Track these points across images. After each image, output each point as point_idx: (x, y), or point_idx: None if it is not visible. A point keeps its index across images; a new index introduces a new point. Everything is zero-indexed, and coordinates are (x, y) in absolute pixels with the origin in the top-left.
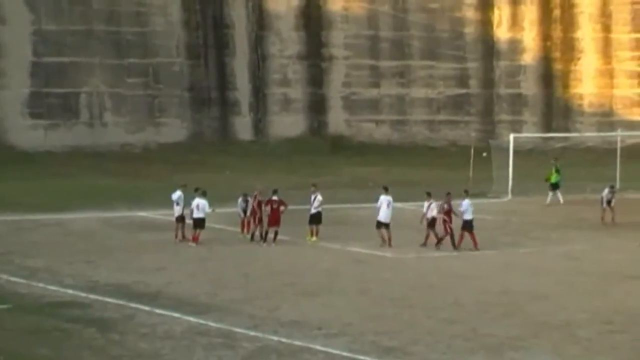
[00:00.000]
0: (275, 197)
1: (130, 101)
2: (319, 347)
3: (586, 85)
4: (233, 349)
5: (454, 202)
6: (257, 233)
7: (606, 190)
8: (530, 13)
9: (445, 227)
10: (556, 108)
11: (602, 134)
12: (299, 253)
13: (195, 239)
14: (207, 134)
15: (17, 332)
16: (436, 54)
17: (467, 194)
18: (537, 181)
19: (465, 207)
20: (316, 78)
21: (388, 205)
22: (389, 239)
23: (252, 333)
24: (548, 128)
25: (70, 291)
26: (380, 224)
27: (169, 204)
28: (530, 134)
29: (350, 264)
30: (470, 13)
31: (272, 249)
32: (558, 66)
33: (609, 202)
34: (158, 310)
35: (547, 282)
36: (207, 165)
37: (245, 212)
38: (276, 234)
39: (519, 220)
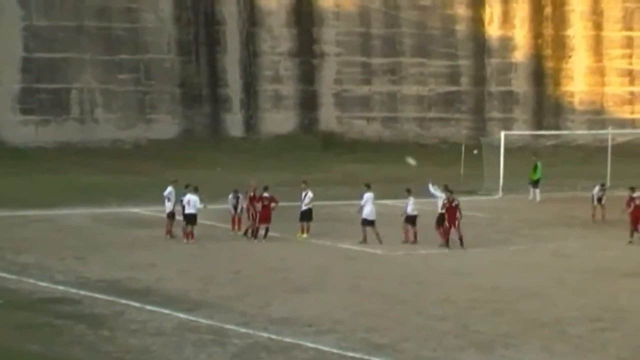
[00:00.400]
0: (266, 194)
1: (121, 97)
2: (309, 344)
3: (577, 83)
4: (223, 346)
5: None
6: (251, 230)
7: (597, 188)
8: (521, 10)
9: (448, 223)
10: (547, 106)
11: (593, 131)
12: (289, 250)
13: (187, 236)
14: (198, 131)
15: (7, 328)
16: (427, 51)
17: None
18: (528, 179)
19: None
20: (307, 75)
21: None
22: (378, 236)
23: (243, 330)
24: (539, 126)
25: (61, 287)
26: (366, 222)
27: (160, 200)
28: (521, 131)
29: (341, 260)
30: (461, 10)
31: (263, 246)
32: (549, 64)
33: (599, 200)
34: (148, 307)
35: (537, 279)
36: (198, 162)
37: (235, 208)
38: (267, 230)
39: (510, 217)
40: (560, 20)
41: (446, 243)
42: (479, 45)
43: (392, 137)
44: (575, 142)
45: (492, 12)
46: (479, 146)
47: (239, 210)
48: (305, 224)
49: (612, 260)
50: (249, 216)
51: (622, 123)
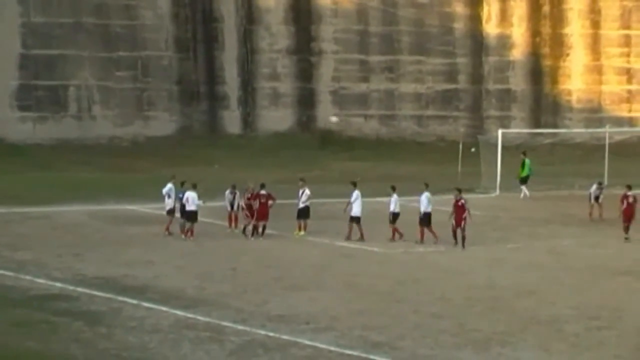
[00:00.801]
0: (263, 191)
1: (119, 94)
2: (306, 342)
3: (575, 81)
4: (220, 343)
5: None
6: (250, 227)
7: (594, 187)
8: (519, 9)
9: (458, 222)
10: (545, 104)
11: (590, 130)
12: (287, 247)
13: (187, 233)
14: (195, 128)
15: (4, 324)
16: (425, 49)
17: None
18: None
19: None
20: (305, 72)
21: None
22: (362, 234)
23: (240, 327)
24: (536, 124)
25: (58, 284)
26: (354, 219)
27: (158, 197)
28: (519, 129)
29: (338, 258)
30: (459, 8)
31: (260, 243)
32: (547, 62)
33: (596, 198)
34: (146, 304)
35: (534, 277)
36: (196, 159)
37: (232, 205)
38: (264, 228)
39: (507, 215)
40: (558, 19)
41: (457, 242)
42: (477, 43)
43: (390, 135)
44: (573, 141)
45: (490, 10)
46: (476, 144)
47: (235, 207)
48: (302, 222)
49: (609, 258)
50: (245, 215)
51: (619, 121)
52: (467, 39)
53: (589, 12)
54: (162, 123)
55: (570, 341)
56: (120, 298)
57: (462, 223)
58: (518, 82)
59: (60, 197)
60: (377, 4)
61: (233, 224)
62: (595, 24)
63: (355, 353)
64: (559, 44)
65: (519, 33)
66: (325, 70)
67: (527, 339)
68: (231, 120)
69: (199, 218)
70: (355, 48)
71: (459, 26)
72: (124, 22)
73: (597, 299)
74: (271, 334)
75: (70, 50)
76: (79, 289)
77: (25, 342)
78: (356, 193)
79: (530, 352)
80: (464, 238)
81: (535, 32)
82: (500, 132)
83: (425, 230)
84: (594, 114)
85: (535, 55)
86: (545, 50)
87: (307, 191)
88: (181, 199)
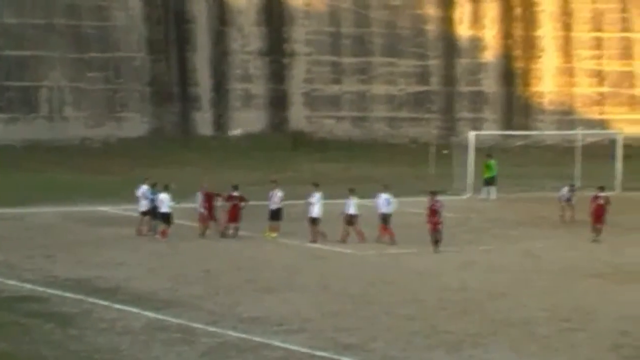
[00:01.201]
0: (235, 193)
1: (91, 95)
2: (278, 344)
3: (547, 83)
4: (192, 345)
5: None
6: (216, 229)
7: (566, 189)
8: (491, 11)
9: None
10: (517, 106)
11: (562, 132)
12: (259, 249)
13: (162, 234)
14: (167, 129)
15: None
16: (397, 51)
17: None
18: (499, 179)
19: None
20: (277, 74)
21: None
22: (323, 234)
23: (212, 329)
24: (508, 126)
25: (29, 286)
26: (314, 220)
27: (130, 198)
28: (491, 131)
29: (310, 260)
30: (431, 10)
31: (232, 245)
32: (519, 64)
33: (568, 200)
34: (117, 306)
35: (506, 279)
36: (168, 161)
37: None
38: (236, 230)
39: (479, 217)
40: (530, 21)
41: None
42: (449, 45)
43: (362, 137)
44: (545, 143)
45: (462, 12)
46: (448, 146)
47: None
48: (274, 224)
49: (580, 260)
50: (210, 216)
51: (591, 124)
52: (439, 41)
53: (560, 15)
54: (134, 124)
55: (542, 343)
56: (92, 299)
57: (437, 226)
58: (490, 84)
59: (32, 198)
60: (349, 6)
61: (204, 226)
62: (567, 27)
63: (326, 355)
64: (530, 46)
65: (490, 35)
66: (298, 71)
67: (499, 341)
68: (203, 122)
69: (172, 219)
70: (328, 50)
71: (431, 28)
72: (96, 23)
73: (569, 301)
74: (243, 335)
75: (42, 51)
76: (50, 291)
77: None
78: (317, 195)
79: (501, 353)
80: (438, 241)
81: (507, 34)
82: (472, 134)
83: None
84: (566, 116)
85: (507, 57)
86: (517, 52)
87: (280, 193)
88: (154, 200)
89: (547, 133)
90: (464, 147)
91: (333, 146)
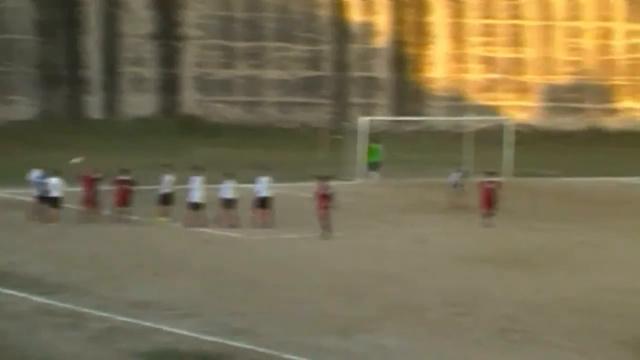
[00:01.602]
0: (124, 177)
1: None
2: (168, 328)
3: (438, 69)
4: (81, 329)
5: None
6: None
7: (455, 174)
8: None
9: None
10: (408, 92)
11: (452, 118)
12: (149, 234)
13: (52, 219)
14: (57, 112)
15: None
16: (290, 35)
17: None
18: (389, 164)
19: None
20: (169, 58)
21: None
22: (198, 219)
23: (101, 313)
24: (400, 111)
25: None
26: (194, 205)
27: (19, 182)
28: (382, 117)
29: (201, 244)
30: None
31: (122, 229)
32: (410, 50)
33: (458, 186)
34: (5, 290)
35: (396, 264)
36: (58, 144)
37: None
38: (126, 214)
39: (370, 202)
40: (421, 7)
41: (323, 231)
42: (341, 30)
43: (254, 121)
44: (436, 128)
45: None
46: (340, 131)
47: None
48: (165, 208)
49: (469, 245)
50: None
51: (481, 109)
52: (331, 26)
53: (452, 1)
54: (24, 107)
55: (431, 327)
56: None
57: (325, 212)
58: (382, 70)
59: None
60: None
61: (92, 209)
62: (458, 13)
63: (217, 340)
64: (422, 32)
65: (382, 21)
66: (189, 55)
67: (389, 325)
68: (94, 105)
69: (62, 204)
70: (220, 34)
71: (324, 13)
72: None
73: (458, 286)
74: (132, 320)
75: None
76: None
77: None
78: (198, 179)
79: (391, 338)
80: (328, 227)
81: (398, 20)
82: (362, 119)
83: (261, 213)
84: (457, 102)
85: (398, 43)
86: (409, 38)
87: (171, 177)
88: (44, 184)
89: (438, 119)
90: (356, 132)
91: (225, 131)
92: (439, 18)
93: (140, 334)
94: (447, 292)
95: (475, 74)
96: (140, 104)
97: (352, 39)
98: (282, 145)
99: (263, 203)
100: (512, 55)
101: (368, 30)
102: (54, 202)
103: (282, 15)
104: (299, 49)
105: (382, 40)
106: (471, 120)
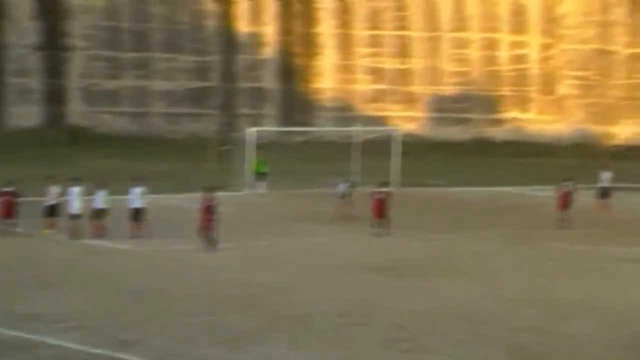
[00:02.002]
0: (8, 189)
1: None
2: (54, 341)
3: (326, 80)
4: None
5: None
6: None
7: (343, 185)
8: (270, 7)
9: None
10: (296, 102)
11: (340, 128)
12: (34, 246)
13: None
14: None
15: None
16: (177, 46)
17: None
18: (277, 174)
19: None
20: (55, 68)
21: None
22: (80, 231)
23: None
24: (288, 122)
25: None
26: (73, 216)
27: None
28: (270, 127)
29: (88, 256)
30: (211, 6)
31: (7, 242)
32: (298, 61)
33: (346, 196)
34: None
35: (285, 274)
36: None
37: None
38: (11, 226)
39: (259, 212)
40: (309, 18)
41: (207, 244)
42: (229, 41)
43: (141, 132)
44: (324, 139)
45: (242, 9)
46: (228, 142)
47: None
48: (51, 220)
49: (358, 255)
50: None
51: (369, 120)
52: (219, 37)
53: (339, 12)
54: None
55: (320, 337)
56: None
57: (210, 224)
58: (270, 81)
59: None
60: (128, 1)
61: None
62: (346, 24)
63: (104, 352)
64: (310, 43)
65: (270, 32)
66: (75, 66)
67: (279, 336)
68: None
69: None
70: (106, 44)
71: (211, 24)
72: None
73: (347, 296)
74: (17, 333)
75: None
76: None
77: None
78: (76, 190)
79: (281, 348)
80: (213, 239)
81: (286, 31)
82: (251, 130)
83: (135, 225)
84: (345, 113)
85: (286, 54)
86: (297, 49)
87: (56, 189)
88: None
89: (326, 129)
90: (244, 143)
91: (112, 142)
92: (326, 29)
93: (26, 347)
94: (337, 301)
95: (363, 85)
96: (25, 115)
97: (240, 49)
98: (169, 156)
99: (136, 214)
100: (399, 66)
101: (256, 41)
102: None
103: (169, 26)
104: (186, 60)
105: (269, 51)
106: (359, 131)
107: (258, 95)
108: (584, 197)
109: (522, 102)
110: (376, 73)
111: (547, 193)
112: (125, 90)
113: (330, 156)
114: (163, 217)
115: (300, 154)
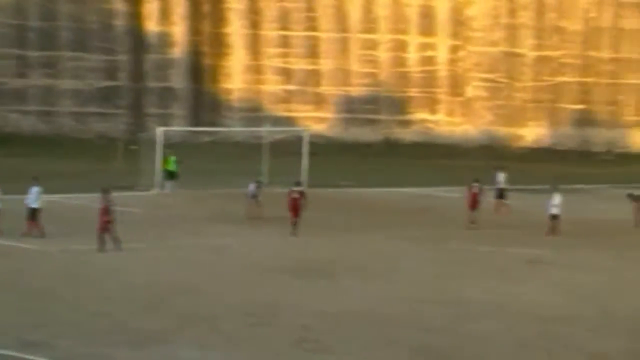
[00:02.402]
0: None
1: None
2: None
3: (235, 80)
4: None
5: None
6: None
7: (253, 185)
8: (179, 7)
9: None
10: (205, 102)
11: (250, 128)
12: None
13: None
14: None
15: None
16: (85, 45)
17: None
18: (187, 174)
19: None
20: None
21: None
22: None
23: None
24: (197, 122)
25: None
26: None
27: None
28: (179, 127)
29: None
30: (119, 5)
31: None
32: (208, 61)
33: (255, 197)
34: None
35: (194, 275)
36: None
37: None
38: None
39: (167, 213)
40: (219, 18)
41: (103, 245)
42: (138, 40)
43: (49, 132)
44: (233, 139)
45: (151, 8)
46: (136, 141)
47: None
48: None
49: (267, 256)
50: None
51: (278, 121)
52: (127, 36)
53: (248, 12)
54: None
55: (227, 338)
56: None
57: (107, 225)
58: (179, 81)
59: None
60: None
61: None
62: (255, 24)
63: (9, 353)
64: (219, 43)
65: (179, 31)
66: None
67: (185, 337)
68: None
69: None
70: (13, 43)
71: (120, 23)
72: None
73: (255, 296)
74: None
75: None
76: None
77: None
78: None
79: (187, 349)
80: (117, 239)
81: (196, 31)
82: (160, 129)
83: (32, 224)
84: (254, 113)
85: (196, 53)
86: (206, 49)
87: None
88: None
89: (235, 129)
90: (153, 142)
91: (18, 141)
92: (236, 29)
93: None
94: (245, 302)
95: (272, 85)
96: None
97: (149, 49)
98: (77, 156)
99: (33, 214)
100: (309, 66)
101: (165, 40)
102: None
103: (78, 25)
104: (94, 59)
105: (178, 50)
106: (268, 131)
107: (167, 95)
108: (490, 198)
109: (431, 104)
110: (285, 73)
111: (455, 194)
112: (32, 89)
113: (239, 156)
114: (69, 217)
115: (210, 154)
